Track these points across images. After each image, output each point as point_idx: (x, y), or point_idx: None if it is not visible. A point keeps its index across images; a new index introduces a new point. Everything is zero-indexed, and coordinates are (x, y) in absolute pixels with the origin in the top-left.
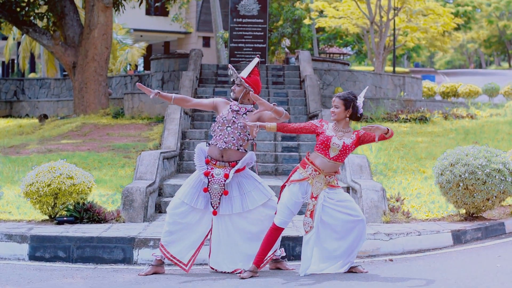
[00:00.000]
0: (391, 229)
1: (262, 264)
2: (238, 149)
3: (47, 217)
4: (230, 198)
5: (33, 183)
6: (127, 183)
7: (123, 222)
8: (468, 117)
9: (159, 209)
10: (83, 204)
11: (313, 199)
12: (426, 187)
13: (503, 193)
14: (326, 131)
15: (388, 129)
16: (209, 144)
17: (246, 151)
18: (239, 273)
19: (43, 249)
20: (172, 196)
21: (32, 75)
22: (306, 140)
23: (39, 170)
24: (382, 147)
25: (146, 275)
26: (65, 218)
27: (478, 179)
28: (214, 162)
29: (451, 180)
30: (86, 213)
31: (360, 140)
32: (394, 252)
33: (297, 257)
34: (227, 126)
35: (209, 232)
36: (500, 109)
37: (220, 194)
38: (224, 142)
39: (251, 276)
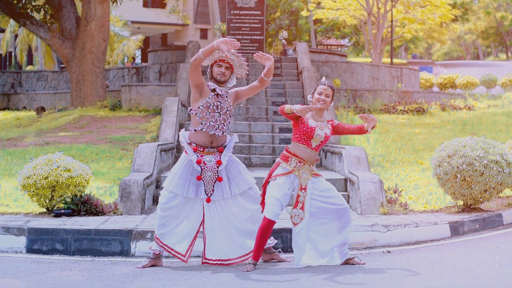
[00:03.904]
0: (388, 220)
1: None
2: (225, 134)
3: (44, 210)
4: (220, 184)
5: (30, 175)
6: (124, 176)
7: (121, 214)
8: (465, 109)
9: (157, 201)
10: (81, 196)
11: (303, 190)
12: (424, 178)
13: (500, 184)
14: (309, 121)
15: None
16: (195, 130)
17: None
18: (232, 263)
19: (40, 242)
20: None
21: (29, 68)
22: None
23: (36, 163)
24: (380, 139)
25: (144, 267)
26: (62, 211)
27: (476, 170)
28: (202, 149)
29: (448, 172)
30: (83, 205)
31: (335, 131)
32: (392, 244)
33: None
34: (216, 112)
35: (202, 220)
36: (497, 101)
37: (213, 181)
38: (217, 128)
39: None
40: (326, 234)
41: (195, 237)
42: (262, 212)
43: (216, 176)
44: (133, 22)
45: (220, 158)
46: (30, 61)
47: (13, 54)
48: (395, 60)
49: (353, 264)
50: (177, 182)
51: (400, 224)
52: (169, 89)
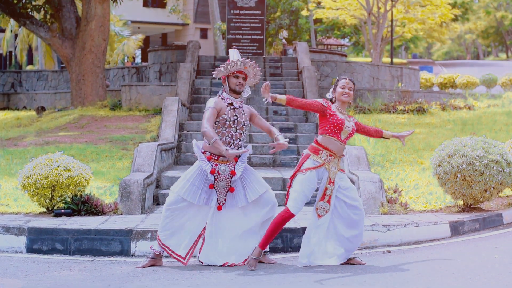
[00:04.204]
0: (388, 220)
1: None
2: (240, 148)
3: (44, 210)
4: (234, 193)
5: (30, 175)
6: (124, 175)
7: (121, 214)
8: (465, 108)
9: (157, 201)
10: (81, 196)
11: (331, 184)
12: (424, 178)
13: (500, 184)
14: (337, 113)
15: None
16: (209, 144)
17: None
18: (230, 265)
19: (40, 242)
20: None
21: (29, 67)
22: (304, 131)
23: (36, 163)
24: (380, 139)
25: (144, 267)
26: (62, 211)
27: (476, 170)
28: (216, 158)
29: (448, 171)
30: (83, 205)
31: (357, 127)
32: (392, 244)
33: (295, 249)
34: (233, 127)
35: (205, 225)
36: (497, 100)
37: (226, 190)
38: (232, 144)
39: (256, 265)
40: (338, 235)
41: (197, 240)
42: (286, 204)
43: (229, 186)
44: (133, 21)
45: (234, 168)
46: (30, 61)
47: (13, 53)
48: (395, 60)
49: (354, 264)
50: (189, 188)
51: (400, 224)
52: (169, 89)
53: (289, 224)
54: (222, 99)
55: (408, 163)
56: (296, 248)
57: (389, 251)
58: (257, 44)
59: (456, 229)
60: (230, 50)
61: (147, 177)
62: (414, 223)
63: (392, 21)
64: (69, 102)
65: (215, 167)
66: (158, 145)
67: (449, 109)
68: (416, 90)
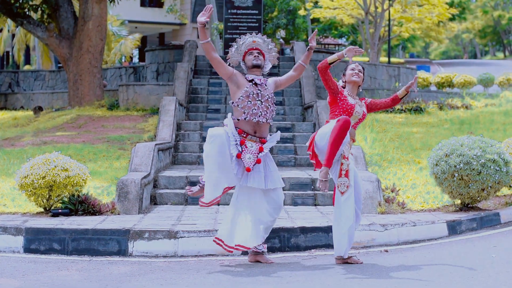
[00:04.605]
0: (386, 220)
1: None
2: (269, 122)
3: (42, 210)
4: (259, 172)
5: (28, 175)
6: (122, 175)
7: (118, 214)
8: (463, 108)
9: (154, 201)
10: (78, 196)
11: (345, 159)
12: (421, 177)
13: (498, 183)
14: (348, 98)
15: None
16: (238, 119)
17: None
18: (242, 248)
19: (38, 242)
20: (168, 188)
21: (27, 67)
22: (301, 131)
23: (33, 163)
24: (377, 138)
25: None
26: (60, 211)
27: (473, 169)
28: (245, 135)
29: (446, 171)
30: (81, 205)
31: (369, 108)
32: (389, 243)
33: (292, 248)
34: (258, 100)
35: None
36: (495, 99)
37: (253, 163)
38: (260, 115)
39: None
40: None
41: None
42: (315, 169)
43: (256, 159)
44: (130, 21)
45: (262, 146)
46: (27, 61)
47: (10, 53)
48: (392, 59)
49: (351, 263)
50: (223, 176)
51: (397, 223)
52: (167, 89)
53: (287, 224)
54: (243, 75)
55: (406, 163)
56: (293, 248)
57: (386, 251)
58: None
59: (454, 228)
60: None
61: (145, 177)
62: (411, 222)
63: (389, 20)
64: (67, 102)
65: (244, 139)
66: (156, 144)
67: (446, 109)
68: (413, 89)
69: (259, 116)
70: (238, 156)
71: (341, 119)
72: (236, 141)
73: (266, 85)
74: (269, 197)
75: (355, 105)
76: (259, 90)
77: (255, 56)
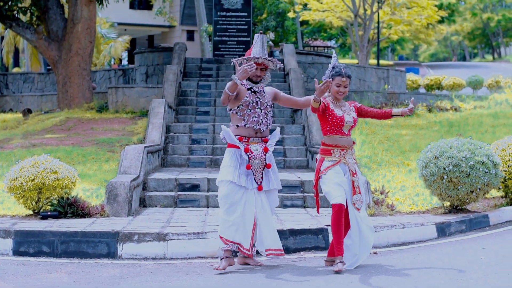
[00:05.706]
0: (375, 222)
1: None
2: (269, 128)
3: (31, 212)
4: (267, 173)
5: (17, 178)
6: (111, 178)
7: (108, 216)
8: (452, 110)
9: (144, 203)
10: (67, 198)
11: (355, 175)
12: (410, 180)
13: (487, 185)
14: (335, 110)
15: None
16: (237, 126)
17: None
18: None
19: (27, 244)
20: (157, 190)
21: (16, 70)
22: (290, 133)
23: (23, 165)
24: (366, 140)
25: (224, 268)
26: (49, 213)
27: (462, 171)
28: (247, 139)
29: (435, 173)
30: (70, 207)
31: (359, 113)
32: (379, 245)
33: (289, 250)
34: (257, 108)
35: (255, 212)
36: (484, 102)
37: (262, 168)
38: (261, 123)
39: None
40: None
41: (254, 229)
42: (318, 212)
43: (264, 164)
44: (119, 23)
45: (266, 145)
46: (16, 63)
47: None
48: (381, 62)
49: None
50: (233, 172)
51: (386, 226)
52: (156, 91)
53: (276, 226)
54: (242, 84)
55: (395, 165)
56: (291, 250)
57: (375, 253)
58: (244, 46)
59: (443, 230)
60: (256, 36)
61: (134, 179)
62: (400, 224)
63: (378, 23)
64: (56, 104)
65: (247, 146)
66: (145, 147)
67: (435, 111)
68: (402, 91)
69: (260, 124)
70: (248, 167)
71: (333, 209)
72: (240, 155)
73: (264, 93)
74: (269, 197)
75: (343, 115)
76: (258, 98)
77: (258, 75)
